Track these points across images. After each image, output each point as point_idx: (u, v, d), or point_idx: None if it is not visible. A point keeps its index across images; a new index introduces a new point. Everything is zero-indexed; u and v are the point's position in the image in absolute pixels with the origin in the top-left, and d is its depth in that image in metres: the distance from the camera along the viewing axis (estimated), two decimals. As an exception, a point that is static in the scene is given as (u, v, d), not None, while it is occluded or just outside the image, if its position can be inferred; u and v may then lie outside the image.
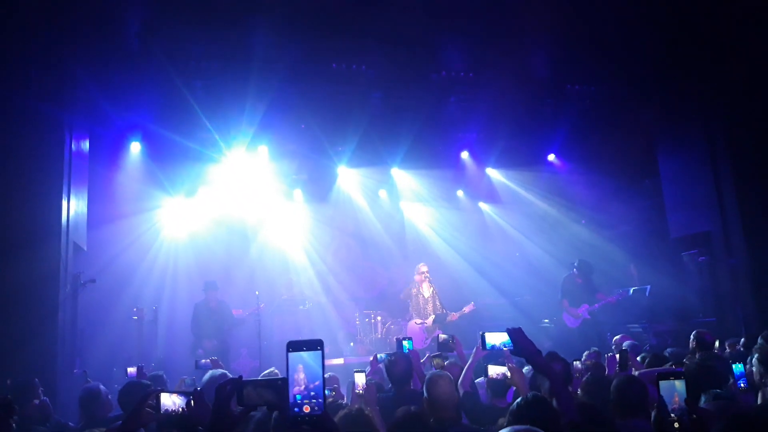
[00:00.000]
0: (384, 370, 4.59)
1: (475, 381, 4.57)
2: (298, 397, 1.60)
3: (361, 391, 3.91)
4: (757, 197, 7.97)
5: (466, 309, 9.21)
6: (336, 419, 2.87)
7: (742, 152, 8.16)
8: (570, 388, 4.13)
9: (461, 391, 4.35)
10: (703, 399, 2.94)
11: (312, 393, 1.60)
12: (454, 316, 9.16)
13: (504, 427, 2.04)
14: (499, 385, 4.14)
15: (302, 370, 1.62)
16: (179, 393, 2.78)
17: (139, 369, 5.33)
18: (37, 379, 4.48)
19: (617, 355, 5.07)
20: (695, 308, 8.87)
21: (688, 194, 9.04)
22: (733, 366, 3.78)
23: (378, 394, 4.26)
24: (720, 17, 7.24)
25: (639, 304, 9.67)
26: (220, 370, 3.81)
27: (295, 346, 1.65)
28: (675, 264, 9.43)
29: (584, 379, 4.00)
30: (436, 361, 4.56)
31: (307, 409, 1.59)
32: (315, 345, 1.65)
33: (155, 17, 6.84)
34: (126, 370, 5.41)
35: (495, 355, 4.00)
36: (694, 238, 8.96)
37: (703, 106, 8.64)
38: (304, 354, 1.63)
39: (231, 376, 3.51)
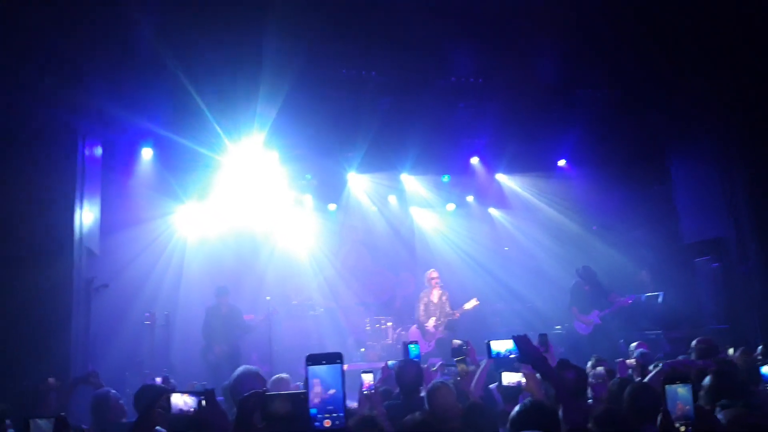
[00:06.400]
0: (394, 377, 4.56)
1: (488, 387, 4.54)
2: (318, 411, 1.56)
3: (366, 392, 3.90)
4: (771, 202, 7.89)
5: (468, 306, 9.10)
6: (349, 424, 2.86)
7: (755, 157, 8.07)
8: (591, 394, 4.11)
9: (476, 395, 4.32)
10: (723, 405, 2.89)
11: (332, 407, 1.56)
12: (456, 314, 9.11)
13: None
14: (511, 391, 4.11)
15: (319, 383, 1.58)
16: (190, 393, 2.79)
17: (165, 380, 5.27)
18: (50, 382, 4.52)
19: (627, 361, 5.05)
20: (709, 315, 8.77)
21: (701, 200, 8.96)
22: (761, 369, 3.76)
23: (387, 401, 4.24)
24: (734, 21, 7.18)
25: (652, 310, 9.57)
26: (253, 367, 3.70)
27: (314, 359, 1.61)
28: (688, 270, 9.33)
29: (610, 383, 3.97)
30: (461, 367, 4.51)
31: (327, 423, 1.55)
32: (334, 358, 1.61)
33: (167, 24, 6.89)
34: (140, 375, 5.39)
35: (508, 361, 3.99)
36: (707, 244, 8.87)
37: (715, 111, 8.56)
38: (324, 367, 1.60)
39: (263, 377, 3.48)
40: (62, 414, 2.95)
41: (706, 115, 8.75)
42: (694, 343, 5.26)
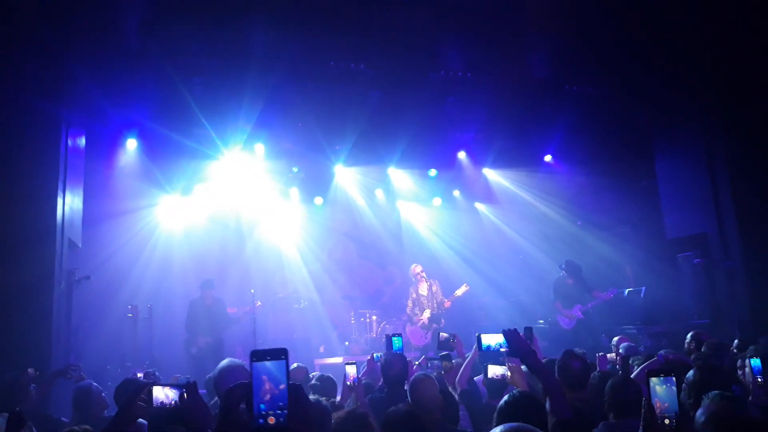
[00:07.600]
0: (379, 370, 4.57)
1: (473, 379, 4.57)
2: (263, 407, 1.55)
3: (350, 383, 3.92)
4: (754, 199, 8.00)
5: (459, 292, 9.14)
6: (335, 420, 2.86)
7: (738, 154, 8.19)
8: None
9: (458, 389, 4.35)
10: (708, 398, 2.92)
11: (281, 403, 1.56)
12: (447, 303, 9.14)
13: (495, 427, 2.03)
14: (496, 385, 4.14)
15: (266, 380, 1.58)
16: (172, 386, 2.77)
17: (148, 374, 5.17)
18: (29, 372, 4.47)
19: (608, 356, 5.10)
20: (690, 310, 8.89)
21: (685, 196, 9.06)
22: (751, 361, 3.79)
23: (369, 395, 4.25)
24: (717, 18, 7.25)
25: (634, 305, 9.68)
26: (237, 360, 3.64)
27: (258, 355, 1.60)
28: (670, 266, 9.44)
29: (591, 376, 4.00)
30: (444, 364, 4.54)
31: (272, 420, 1.54)
32: (279, 354, 1.59)
33: (153, 14, 6.80)
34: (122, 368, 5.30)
35: (494, 354, 4.02)
36: (690, 240, 8.98)
37: (700, 108, 8.67)
38: (268, 363, 1.59)
39: (247, 369, 3.42)
40: (18, 409, 2.90)
41: (691, 112, 8.85)
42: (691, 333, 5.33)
